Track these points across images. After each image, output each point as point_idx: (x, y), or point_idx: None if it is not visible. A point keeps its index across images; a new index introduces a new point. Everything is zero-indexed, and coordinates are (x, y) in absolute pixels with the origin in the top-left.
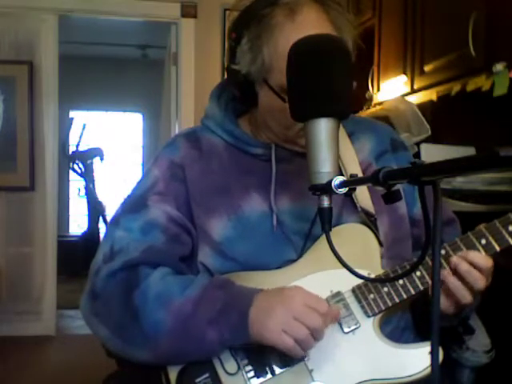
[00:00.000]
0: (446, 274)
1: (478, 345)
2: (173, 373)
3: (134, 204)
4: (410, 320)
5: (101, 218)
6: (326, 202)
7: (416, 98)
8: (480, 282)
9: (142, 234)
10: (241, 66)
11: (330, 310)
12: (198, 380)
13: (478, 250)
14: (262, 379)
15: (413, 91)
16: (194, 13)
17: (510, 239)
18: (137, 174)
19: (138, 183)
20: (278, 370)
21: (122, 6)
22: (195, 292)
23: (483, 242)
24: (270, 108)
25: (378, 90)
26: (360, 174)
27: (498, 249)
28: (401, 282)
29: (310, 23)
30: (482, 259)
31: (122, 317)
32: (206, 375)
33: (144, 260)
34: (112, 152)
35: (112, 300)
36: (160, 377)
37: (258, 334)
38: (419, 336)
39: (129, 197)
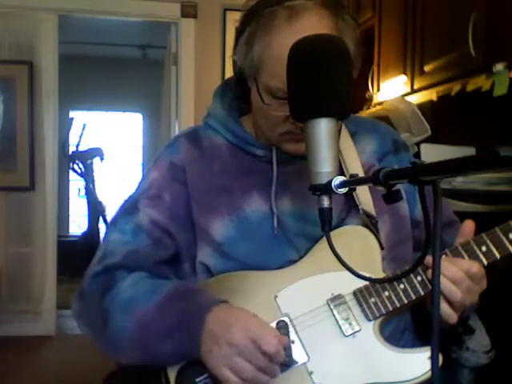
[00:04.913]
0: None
1: (478, 345)
2: (172, 372)
3: (129, 206)
4: (409, 320)
5: (101, 218)
6: (325, 202)
7: (416, 98)
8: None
9: (132, 236)
10: (237, 58)
11: (278, 348)
12: (197, 380)
13: (479, 257)
14: None
15: (413, 91)
16: (194, 13)
17: (510, 247)
18: (137, 174)
19: (138, 185)
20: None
21: (121, 6)
22: (158, 300)
23: (484, 249)
24: (257, 106)
25: (378, 90)
26: (362, 175)
27: (498, 256)
28: (402, 286)
29: (309, 29)
30: (466, 264)
31: (96, 321)
32: (206, 375)
33: (123, 264)
34: (112, 152)
35: (91, 302)
36: (160, 376)
37: (204, 358)
38: (419, 337)
39: (128, 198)
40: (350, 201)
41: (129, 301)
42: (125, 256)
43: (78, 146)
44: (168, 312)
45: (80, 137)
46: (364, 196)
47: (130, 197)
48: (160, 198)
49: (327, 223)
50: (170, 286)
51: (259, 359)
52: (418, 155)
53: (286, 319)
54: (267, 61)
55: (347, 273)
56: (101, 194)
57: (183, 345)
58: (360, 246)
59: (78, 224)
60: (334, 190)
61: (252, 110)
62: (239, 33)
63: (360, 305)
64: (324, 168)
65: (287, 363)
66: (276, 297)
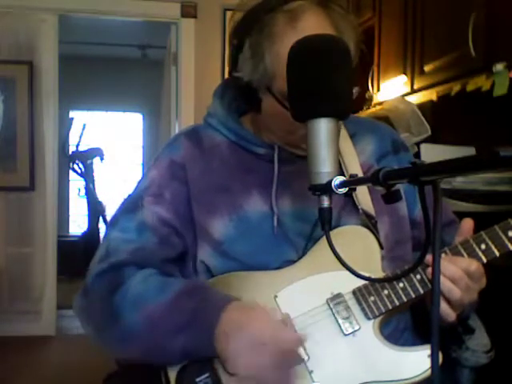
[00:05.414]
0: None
1: (478, 345)
2: (172, 372)
3: (131, 204)
4: (409, 320)
5: (101, 218)
6: (325, 202)
7: (416, 98)
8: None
9: (136, 234)
10: (243, 74)
11: (298, 343)
12: (197, 380)
13: (478, 255)
14: None
15: (413, 91)
16: (194, 13)
17: (509, 244)
18: (137, 174)
19: (138, 183)
20: None
21: (122, 6)
22: (168, 298)
23: (483, 247)
24: (274, 114)
25: (378, 90)
26: (361, 176)
27: (497, 254)
28: (401, 284)
29: (311, 29)
30: (465, 263)
31: (103, 317)
32: (206, 375)
33: (131, 261)
34: (112, 152)
35: (97, 300)
36: (160, 376)
37: (220, 355)
38: (419, 336)
39: (128, 197)
40: (348, 200)
41: (139, 297)
42: (131, 253)
43: (78, 146)
44: (178, 310)
45: (80, 137)
46: (363, 196)
47: (130, 195)
48: (162, 197)
49: (327, 223)
50: (179, 284)
51: (278, 354)
52: (418, 155)
53: None
54: (280, 69)
55: (347, 272)
56: (101, 194)
57: (194, 341)
58: (359, 245)
59: (78, 224)
60: (334, 190)
61: (262, 117)
62: (238, 48)
63: (359, 304)
64: (324, 168)
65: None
66: (276, 297)
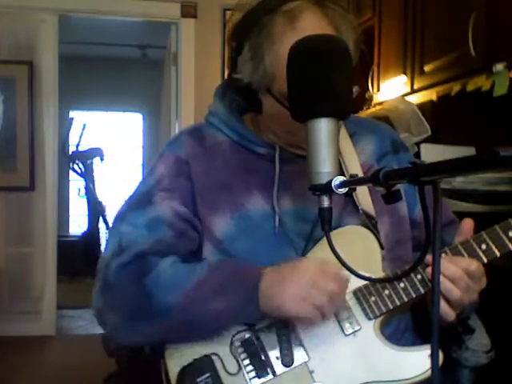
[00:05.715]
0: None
1: (478, 345)
2: (173, 372)
3: (140, 200)
4: (410, 321)
5: (101, 218)
6: (326, 202)
7: (416, 98)
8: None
9: (147, 229)
10: (243, 76)
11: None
12: (198, 380)
13: (479, 255)
14: (262, 379)
15: (413, 91)
16: (194, 13)
17: (510, 245)
18: (137, 174)
19: (144, 180)
20: (279, 371)
21: (122, 6)
22: (204, 270)
23: (483, 247)
24: (274, 115)
25: (378, 90)
26: (361, 176)
27: (498, 254)
28: (402, 284)
29: (311, 29)
30: (465, 263)
31: (134, 299)
32: (207, 375)
33: (153, 251)
34: (112, 152)
35: (124, 288)
36: (160, 376)
37: (271, 306)
38: (419, 337)
39: (134, 193)
40: (348, 201)
41: (173, 278)
42: (152, 244)
43: (78, 146)
44: (218, 275)
45: (80, 137)
46: (363, 196)
47: (136, 192)
48: (174, 191)
49: (327, 223)
50: (207, 263)
51: (330, 284)
52: (418, 155)
53: None
54: (280, 69)
55: (347, 272)
56: (101, 194)
57: (239, 297)
58: (360, 245)
59: (78, 224)
60: (334, 190)
61: (263, 118)
62: (236, 50)
63: (360, 304)
64: (324, 168)
65: (288, 362)
66: None
